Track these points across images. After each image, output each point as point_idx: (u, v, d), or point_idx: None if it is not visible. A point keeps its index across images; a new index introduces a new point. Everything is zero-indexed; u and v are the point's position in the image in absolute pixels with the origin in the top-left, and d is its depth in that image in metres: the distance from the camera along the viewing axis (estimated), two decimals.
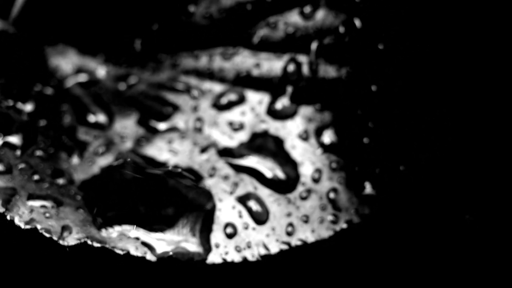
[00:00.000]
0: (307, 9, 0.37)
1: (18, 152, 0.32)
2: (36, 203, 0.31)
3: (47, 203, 0.31)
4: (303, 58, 0.36)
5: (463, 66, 0.35)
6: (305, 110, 0.36)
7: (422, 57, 0.36)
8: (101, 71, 0.39)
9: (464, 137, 0.35)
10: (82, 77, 0.39)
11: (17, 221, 0.29)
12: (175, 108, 0.37)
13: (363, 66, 0.36)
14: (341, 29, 0.36)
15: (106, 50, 0.40)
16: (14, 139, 0.33)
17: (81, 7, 0.40)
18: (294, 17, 0.37)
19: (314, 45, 0.36)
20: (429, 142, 0.35)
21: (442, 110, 0.35)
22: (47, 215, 0.30)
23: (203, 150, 0.35)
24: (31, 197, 0.31)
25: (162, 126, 0.36)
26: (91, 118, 0.37)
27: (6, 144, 0.33)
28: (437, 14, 0.35)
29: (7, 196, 0.30)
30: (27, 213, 0.30)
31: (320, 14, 0.36)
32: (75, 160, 0.34)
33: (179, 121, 0.36)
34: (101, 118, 0.37)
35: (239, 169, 0.34)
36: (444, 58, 0.35)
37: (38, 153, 0.33)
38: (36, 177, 0.32)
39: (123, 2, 0.39)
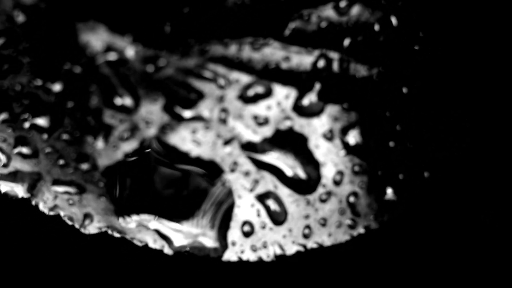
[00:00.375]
0: (343, 4, 0.36)
1: (45, 135, 0.33)
2: (60, 189, 0.31)
3: (71, 189, 0.32)
4: (334, 55, 0.36)
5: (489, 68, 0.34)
6: (332, 109, 0.35)
7: (456, 61, 0.35)
8: (130, 51, 0.39)
9: (482, 138, 0.35)
10: (111, 56, 0.40)
11: (41, 207, 0.30)
12: (201, 96, 0.37)
13: (396, 67, 0.35)
14: (376, 27, 0.35)
15: (136, 30, 0.40)
16: (42, 121, 0.34)
17: None
18: (328, 11, 0.36)
19: (346, 42, 0.36)
20: (448, 143, 0.35)
21: (460, 111, 0.34)
22: (70, 202, 0.31)
23: (226, 142, 0.35)
24: (55, 182, 0.32)
25: (187, 113, 0.37)
26: (118, 101, 0.37)
27: (34, 127, 0.33)
28: (477, 21, 0.34)
29: (33, 181, 0.31)
30: (51, 199, 0.30)
31: (356, 10, 0.36)
32: (99, 144, 0.35)
33: (204, 110, 0.36)
34: (128, 101, 0.37)
35: (261, 165, 0.35)
36: (476, 61, 0.35)
37: (65, 136, 0.34)
38: (61, 161, 0.33)
39: None
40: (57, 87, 0.37)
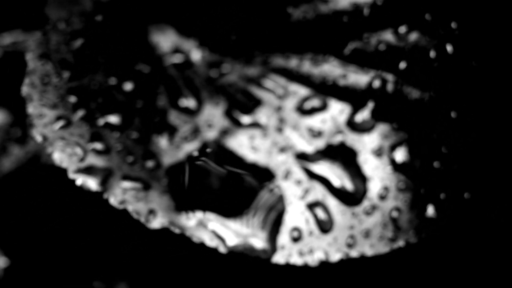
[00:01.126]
0: (402, 30, 0.37)
1: (117, 133, 0.36)
2: (129, 185, 0.34)
3: (138, 185, 0.34)
4: (389, 76, 0.37)
5: None
6: (383, 127, 0.37)
7: (505, 92, 0.36)
8: (196, 55, 0.42)
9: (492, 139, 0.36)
10: (178, 58, 0.42)
11: (112, 201, 0.33)
12: (260, 104, 0.39)
13: (447, 93, 0.37)
14: (432, 54, 0.37)
15: (203, 35, 0.42)
16: (114, 119, 0.37)
17: None
18: (387, 35, 0.37)
19: (402, 65, 0.37)
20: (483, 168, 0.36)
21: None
22: (137, 197, 0.34)
23: (281, 151, 0.37)
24: (124, 178, 0.34)
25: (246, 119, 0.39)
26: (183, 102, 0.39)
27: (107, 125, 0.36)
28: None
29: (105, 176, 0.34)
30: (121, 194, 0.33)
31: (414, 36, 0.37)
32: (164, 143, 0.37)
33: (263, 117, 0.38)
34: (192, 103, 0.39)
35: (312, 175, 0.37)
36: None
37: (134, 135, 0.37)
38: (130, 159, 0.35)
39: None
40: (128, 86, 0.40)
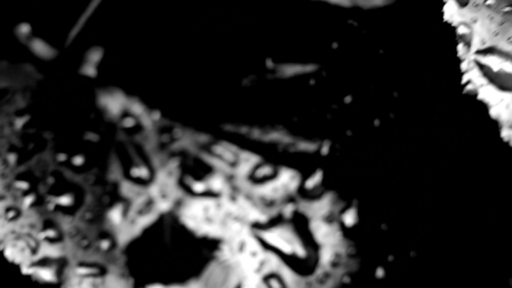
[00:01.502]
0: (347, 99, 0.38)
1: (69, 216, 0.35)
2: (85, 271, 0.34)
3: (94, 271, 0.34)
4: (337, 145, 0.38)
5: None
6: (332, 193, 0.38)
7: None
8: (147, 119, 0.41)
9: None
10: (128, 122, 0.42)
11: None
12: (213, 171, 0.39)
13: (392, 156, 0.38)
14: (376, 123, 0.38)
15: (153, 98, 0.41)
16: (66, 200, 0.36)
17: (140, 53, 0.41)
18: (333, 105, 0.38)
19: (349, 133, 0.38)
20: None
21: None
22: (95, 283, 0.34)
23: (235, 221, 0.38)
24: (80, 265, 0.34)
25: (199, 188, 0.39)
26: (135, 172, 0.39)
27: (58, 207, 0.36)
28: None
29: (60, 266, 0.33)
30: (77, 284, 0.33)
31: (358, 105, 0.38)
32: (118, 220, 0.37)
33: (216, 186, 0.39)
34: (144, 172, 0.39)
35: (267, 246, 0.37)
36: None
37: (87, 215, 0.36)
38: (84, 242, 0.35)
39: (179, 60, 0.40)
40: (78, 160, 0.39)
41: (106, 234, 0.37)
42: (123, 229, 0.37)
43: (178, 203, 0.39)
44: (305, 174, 0.39)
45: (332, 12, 0.36)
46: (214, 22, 0.40)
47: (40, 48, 0.45)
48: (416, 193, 0.37)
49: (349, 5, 0.36)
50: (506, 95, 0.23)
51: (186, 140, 0.41)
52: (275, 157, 0.39)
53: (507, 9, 0.25)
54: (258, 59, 0.38)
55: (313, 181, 0.39)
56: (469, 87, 0.23)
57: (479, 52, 0.24)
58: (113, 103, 0.43)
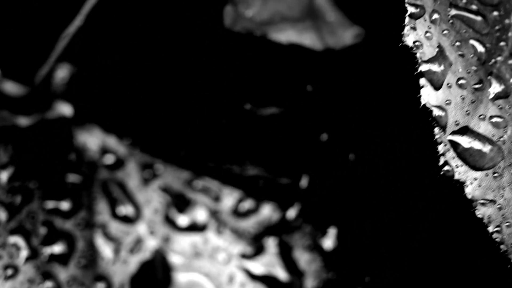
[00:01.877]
0: (324, 137, 0.40)
1: (64, 265, 0.36)
2: None
3: None
4: (315, 178, 0.40)
5: None
6: (312, 223, 0.40)
7: None
8: (127, 155, 0.42)
9: None
10: (109, 159, 0.42)
11: None
12: (198, 207, 0.40)
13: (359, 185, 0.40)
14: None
15: (132, 134, 0.42)
16: (59, 249, 0.37)
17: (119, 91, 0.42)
18: (311, 143, 0.40)
19: (304, 183, 0.40)
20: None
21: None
22: None
23: (223, 255, 0.39)
24: None
25: (185, 223, 0.40)
26: (121, 211, 0.40)
27: (53, 257, 0.36)
28: None
29: None
30: None
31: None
32: (111, 260, 0.38)
33: (201, 221, 0.40)
34: (130, 210, 0.40)
35: (254, 277, 0.39)
36: None
37: (81, 261, 0.37)
38: None
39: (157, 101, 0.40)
40: (65, 205, 0.40)
41: (101, 277, 0.38)
42: (117, 270, 0.38)
43: (167, 240, 0.40)
44: (285, 207, 0.41)
45: (306, 54, 0.37)
46: (185, 66, 0.40)
47: (10, 88, 0.45)
48: (416, 193, 0.39)
49: (321, 47, 0.37)
50: (478, 174, 0.25)
51: (169, 176, 0.42)
52: (256, 191, 0.41)
53: (477, 86, 0.27)
54: (236, 100, 0.39)
55: (293, 212, 0.41)
56: (445, 168, 0.25)
57: (453, 133, 0.26)
58: (92, 140, 0.43)
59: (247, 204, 0.41)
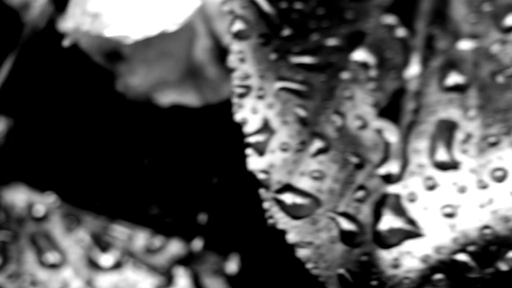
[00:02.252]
0: None
1: None
2: None
3: None
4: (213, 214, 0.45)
5: None
6: (215, 253, 0.45)
7: None
8: (53, 208, 0.46)
9: None
10: (36, 212, 0.46)
11: None
12: (115, 248, 0.45)
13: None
14: None
15: (56, 187, 0.46)
16: None
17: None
18: None
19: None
20: None
21: None
22: None
23: None
24: None
25: (106, 263, 0.45)
26: (48, 259, 0.44)
27: None
28: None
29: None
30: None
31: None
32: None
33: (119, 260, 0.44)
34: (56, 257, 0.45)
35: None
36: None
37: None
38: None
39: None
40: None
41: None
42: None
43: (89, 282, 0.45)
44: (190, 239, 0.45)
45: (185, 113, 0.41)
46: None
47: None
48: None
49: (200, 103, 0.41)
50: (298, 222, 0.30)
51: (89, 222, 0.46)
52: (165, 229, 0.46)
53: (299, 147, 0.31)
54: (134, 157, 0.44)
55: (198, 244, 0.45)
56: (270, 221, 0.30)
57: (277, 191, 0.30)
58: (18, 197, 0.47)
59: (156, 243, 0.46)
